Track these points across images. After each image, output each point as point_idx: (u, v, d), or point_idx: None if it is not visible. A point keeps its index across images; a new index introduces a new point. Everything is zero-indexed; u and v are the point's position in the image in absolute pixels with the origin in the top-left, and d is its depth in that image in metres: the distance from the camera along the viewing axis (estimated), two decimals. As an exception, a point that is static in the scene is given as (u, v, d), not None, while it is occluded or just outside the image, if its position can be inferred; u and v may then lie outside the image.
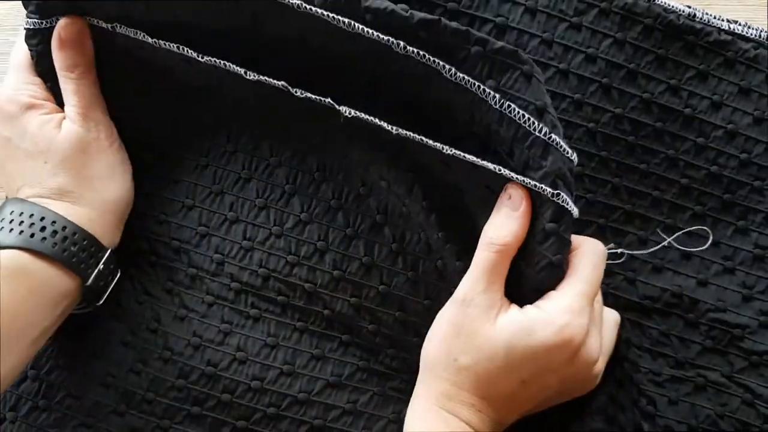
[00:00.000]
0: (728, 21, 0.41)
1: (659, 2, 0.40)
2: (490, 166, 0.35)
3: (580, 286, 0.36)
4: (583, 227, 0.42)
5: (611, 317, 0.40)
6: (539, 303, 0.37)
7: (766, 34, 0.41)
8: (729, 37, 0.41)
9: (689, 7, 0.41)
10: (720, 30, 0.41)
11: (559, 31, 0.40)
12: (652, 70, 0.41)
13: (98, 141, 0.40)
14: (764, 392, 0.42)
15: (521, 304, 0.37)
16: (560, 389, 0.37)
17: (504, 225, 0.36)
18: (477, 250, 0.37)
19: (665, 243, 0.40)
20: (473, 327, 0.36)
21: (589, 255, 0.37)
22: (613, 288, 0.43)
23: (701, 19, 0.41)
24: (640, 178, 0.42)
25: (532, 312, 0.36)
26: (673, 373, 0.43)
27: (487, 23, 0.39)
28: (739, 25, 0.41)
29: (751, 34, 0.41)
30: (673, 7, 0.40)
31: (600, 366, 0.38)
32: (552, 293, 0.37)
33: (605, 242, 0.42)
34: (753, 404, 0.42)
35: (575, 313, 0.36)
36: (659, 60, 0.41)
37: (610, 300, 0.43)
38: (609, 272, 0.43)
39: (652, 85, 0.41)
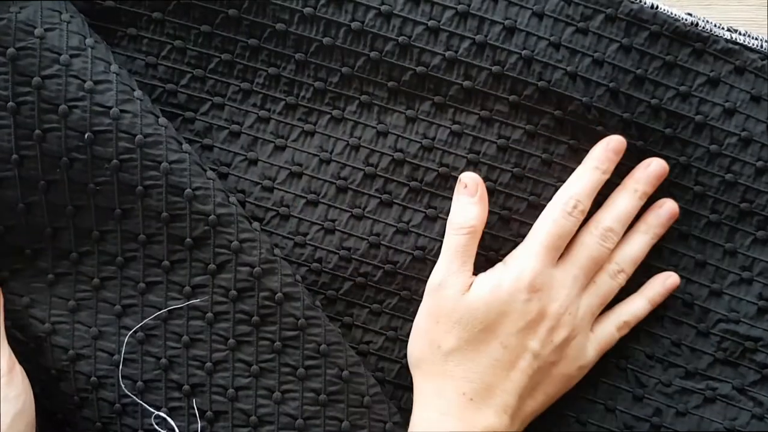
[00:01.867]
0: (729, 30, 0.42)
1: (663, 10, 0.41)
2: None
3: (534, 236, 0.40)
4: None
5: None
6: (505, 258, 0.41)
7: (767, 44, 0.42)
8: (736, 46, 0.41)
9: (690, 14, 0.41)
10: (726, 39, 0.42)
11: (566, 34, 0.41)
12: (660, 75, 0.41)
13: None
14: None
15: None
16: (543, 355, 0.39)
17: (466, 210, 0.40)
18: (446, 236, 0.41)
19: None
20: (450, 306, 0.40)
21: (548, 207, 0.41)
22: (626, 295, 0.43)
23: (704, 27, 0.41)
24: (651, 184, 0.42)
25: (498, 267, 0.41)
26: (683, 385, 0.42)
27: (496, 25, 0.41)
28: (741, 35, 0.42)
29: (754, 45, 0.42)
30: (676, 15, 0.41)
31: (580, 340, 0.40)
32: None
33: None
34: (763, 418, 0.42)
35: (526, 257, 0.40)
36: (667, 66, 0.41)
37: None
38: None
39: (661, 91, 0.41)
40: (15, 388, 0.37)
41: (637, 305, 0.42)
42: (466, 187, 0.41)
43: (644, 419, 0.42)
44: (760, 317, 0.42)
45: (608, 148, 0.41)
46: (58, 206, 0.39)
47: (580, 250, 0.40)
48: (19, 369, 0.38)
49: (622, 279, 0.41)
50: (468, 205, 0.41)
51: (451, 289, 0.40)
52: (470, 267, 0.40)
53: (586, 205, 0.40)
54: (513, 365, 0.39)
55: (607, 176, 0.41)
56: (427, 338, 0.40)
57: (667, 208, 0.42)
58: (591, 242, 0.40)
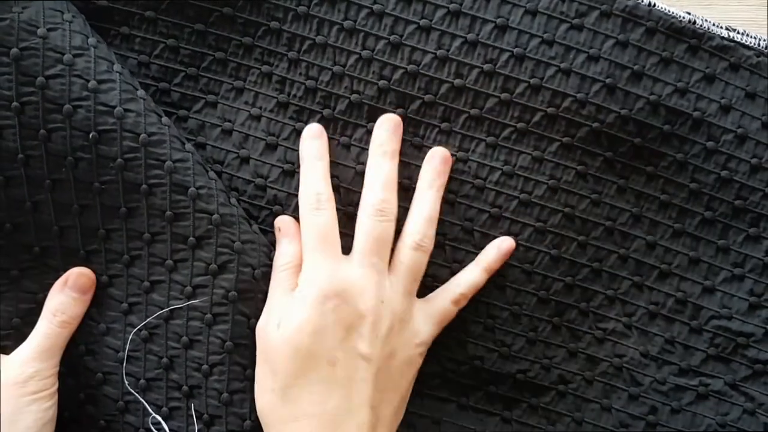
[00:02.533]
0: (727, 29, 0.41)
1: (659, 8, 0.41)
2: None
3: (306, 245, 0.39)
4: (590, 229, 0.42)
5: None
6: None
7: (765, 42, 0.41)
8: (731, 43, 0.41)
9: (689, 13, 0.41)
10: (721, 36, 0.41)
11: (560, 31, 0.40)
12: (657, 71, 0.41)
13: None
14: (766, 401, 0.42)
15: None
16: (376, 354, 0.37)
17: (285, 250, 0.40)
18: (271, 279, 0.40)
19: None
20: (267, 344, 0.38)
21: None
22: (622, 293, 0.42)
23: (701, 26, 0.41)
24: (647, 181, 0.42)
25: (295, 289, 0.39)
26: (677, 382, 0.42)
27: (488, 23, 0.41)
28: (738, 33, 0.41)
29: (751, 43, 0.41)
30: (673, 12, 0.41)
31: (406, 321, 0.39)
32: None
33: (613, 245, 0.42)
34: (755, 413, 0.42)
35: (312, 267, 0.38)
36: (664, 62, 0.41)
37: (618, 306, 0.43)
38: (616, 277, 0.42)
39: (659, 87, 0.41)
40: (50, 399, 0.38)
41: (472, 275, 0.41)
42: (280, 230, 0.40)
43: (640, 417, 0.42)
44: (751, 313, 0.42)
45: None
46: (65, 205, 0.40)
47: (360, 234, 0.39)
48: (57, 384, 0.39)
49: (426, 246, 0.40)
50: (286, 245, 0.40)
51: (267, 326, 0.38)
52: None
53: (329, 192, 0.40)
54: (351, 379, 0.37)
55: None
56: (261, 386, 0.38)
57: (439, 154, 0.41)
58: (368, 222, 0.39)
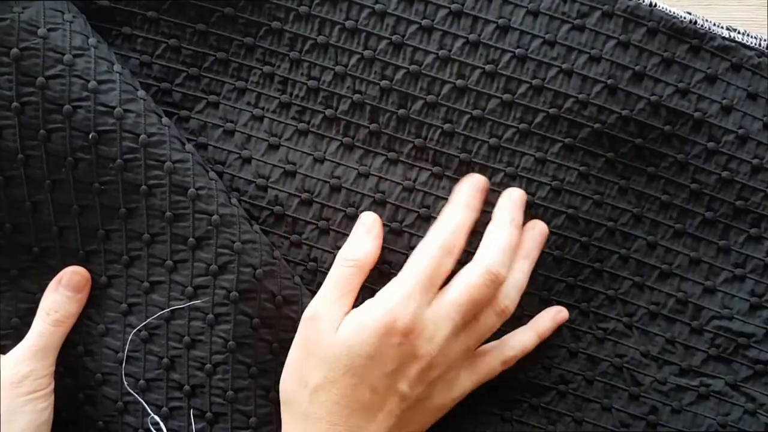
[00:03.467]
0: (728, 29, 0.41)
1: (661, 8, 0.41)
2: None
3: (409, 272, 0.38)
4: (593, 230, 0.42)
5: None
6: (378, 293, 0.38)
7: (766, 43, 0.41)
8: (733, 44, 0.41)
9: (689, 13, 0.41)
10: (722, 37, 0.41)
11: (561, 32, 0.40)
12: (658, 72, 0.41)
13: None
14: (767, 401, 0.42)
15: None
16: (413, 395, 0.37)
17: (358, 243, 0.39)
18: (332, 268, 0.39)
19: None
20: (320, 342, 0.38)
21: (423, 243, 0.39)
22: (622, 293, 0.43)
23: (702, 26, 0.41)
24: (648, 182, 0.42)
25: (368, 304, 0.38)
26: (677, 382, 0.42)
27: (490, 24, 0.40)
28: (739, 33, 0.41)
29: (752, 43, 0.41)
30: (674, 13, 0.41)
31: (452, 376, 0.39)
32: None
33: (614, 246, 0.42)
34: (755, 414, 0.42)
35: (400, 296, 0.37)
36: (666, 62, 0.41)
37: (618, 306, 0.43)
38: (617, 277, 0.42)
39: (660, 88, 0.41)
40: (46, 400, 0.38)
41: (526, 338, 0.41)
42: (363, 222, 0.40)
43: (640, 417, 0.42)
44: (752, 313, 0.42)
45: (475, 186, 0.40)
46: (64, 205, 0.40)
47: (463, 290, 0.38)
48: (53, 384, 0.39)
49: (507, 314, 0.39)
50: (362, 237, 0.40)
51: (322, 322, 0.38)
52: (348, 301, 0.38)
53: (463, 242, 0.39)
54: (380, 408, 0.37)
55: (477, 215, 0.40)
56: (297, 373, 0.38)
57: (540, 229, 0.41)
58: (476, 283, 0.38)
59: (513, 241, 0.39)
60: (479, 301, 0.38)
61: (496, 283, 0.38)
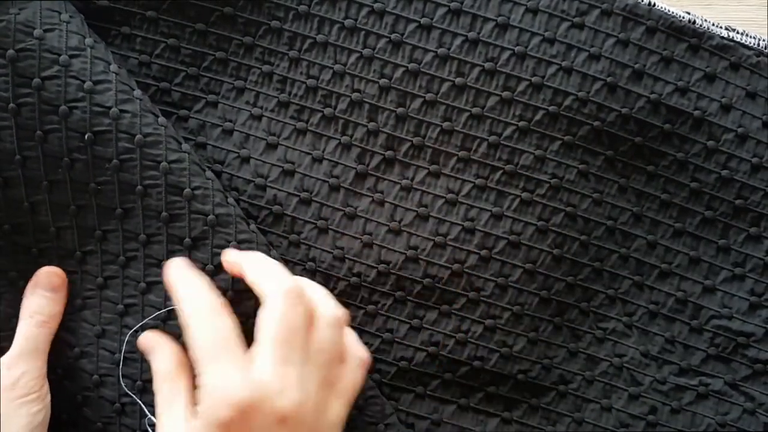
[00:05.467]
0: (727, 29, 0.41)
1: (659, 7, 0.41)
2: None
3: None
4: (592, 229, 0.42)
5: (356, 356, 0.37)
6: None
7: (765, 42, 0.41)
8: (731, 43, 0.41)
9: (688, 13, 0.41)
10: (721, 36, 0.41)
11: (561, 30, 0.40)
12: (658, 70, 0.41)
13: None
14: (766, 401, 0.42)
15: None
16: None
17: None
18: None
19: None
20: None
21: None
22: (622, 293, 0.42)
23: (701, 25, 0.41)
24: (648, 180, 0.42)
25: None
26: (677, 381, 0.42)
27: (489, 22, 0.41)
28: (738, 33, 0.41)
29: (750, 43, 0.41)
30: (672, 12, 0.41)
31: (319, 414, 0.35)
32: None
33: (614, 245, 0.42)
34: (755, 413, 0.42)
35: (212, 378, 0.34)
36: (665, 61, 0.41)
37: (618, 305, 0.43)
38: (617, 276, 0.42)
39: (659, 86, 0.41)
40: (41, 402, 0.38)
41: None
42: (144, 352, 0.38)
43: (640, 417, 0.42)
44: (751, 313, 0.42)
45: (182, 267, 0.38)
46: (62, 206, 0.40)
47: (270, 321, 0.34)
48: (47, 386, 0.39)
49: (342, 319, 0.37)
50: (157, 356, 0.38)
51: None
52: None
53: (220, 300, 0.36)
54: None
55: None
56: None
57: None
58: (283, 308, 0.34)
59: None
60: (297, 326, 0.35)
61: (300, 301, 0.35)
